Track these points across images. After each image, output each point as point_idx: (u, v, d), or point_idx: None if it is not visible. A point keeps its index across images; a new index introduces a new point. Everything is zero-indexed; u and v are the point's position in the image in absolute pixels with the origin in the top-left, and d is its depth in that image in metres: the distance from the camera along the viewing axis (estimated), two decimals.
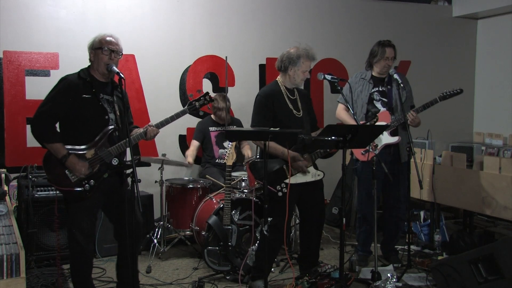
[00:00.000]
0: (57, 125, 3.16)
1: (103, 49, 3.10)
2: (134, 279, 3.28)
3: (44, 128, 3.06)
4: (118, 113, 3.17)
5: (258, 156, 4.11)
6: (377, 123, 3.91)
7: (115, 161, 3.13)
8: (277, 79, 3.76)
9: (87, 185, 3.08)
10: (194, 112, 3.47)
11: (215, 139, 5.06)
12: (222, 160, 4.90)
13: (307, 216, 3.84)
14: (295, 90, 3.76)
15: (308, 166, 3.61)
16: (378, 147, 4.00)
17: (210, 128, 5.08)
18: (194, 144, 5.06)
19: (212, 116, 5.12)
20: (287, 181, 3.49)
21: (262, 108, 3.62)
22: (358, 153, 4.19)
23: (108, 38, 3.14)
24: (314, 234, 3.85)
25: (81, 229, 3.13)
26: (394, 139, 4.19)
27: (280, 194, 3.49)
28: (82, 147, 3.08)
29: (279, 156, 3.55)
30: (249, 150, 5.11)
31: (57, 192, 3.18)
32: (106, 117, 3.13)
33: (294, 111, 3.68)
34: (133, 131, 3.30)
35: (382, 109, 4.22)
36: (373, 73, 4.29)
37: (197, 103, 3.38)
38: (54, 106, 3.05)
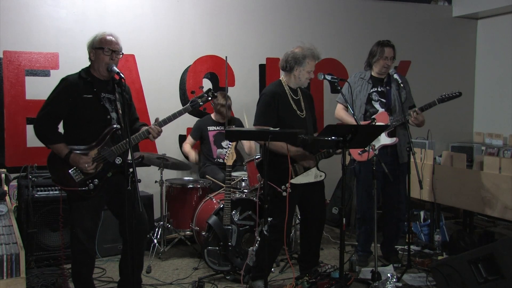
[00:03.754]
0: (60, 125, 3.17)
1: (104, 50, 3.09)
2: (137, 276, 3.27)
3: (46, 130, 3.07)
4: (120, 112, 3.17)
5: (258, 156, 4.11)
6: (378, 125, 3.90)
7: (118, 160, 3.14)
8: (280, 78, 3.74)
9: (91, 184, 3.08)
10: (196, 108, 3.41)
11: (213, 139, 5.06)
12: (220, 159, 4.91)
13: (308, 216, 3.84)
14: (298, 90, 3.75)
15: (312, 166, 3.61)
16: (376, 148, 3.99)
17: (208, 127, 5.08)
18: (190, 140, 5.07)
19: (212, 115, 5.12)
20: (292, 181, 3.49)
21: (266, 107, 3.61)
22: (355, 153, 4.18)
23: (108, 38, 3.13)
24: (314, 234, 3.85)
25: (84, 228, 3.13)
26: (392, 140, 4.18)
27: (284, 194, 3.48)
28: (85, 147, 3.09)
29: (285, 154, 3.52)
30: (248, 143, 5.10)
31: (61, 192, 3.18)
32: (108, 116, 3.13)
33: (298, 112, 3.67)
34: (138, 129, 3.29)
35: (381, 109, 4.21)
36: (372, 73, 4.28)
37: (199, 100, 3.32)
38: (55, 107, 3.07)
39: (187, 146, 5.08)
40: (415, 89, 4.49)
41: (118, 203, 3.22)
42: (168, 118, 3.25)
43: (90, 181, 3.08)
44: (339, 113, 4.39)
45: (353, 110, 3.98)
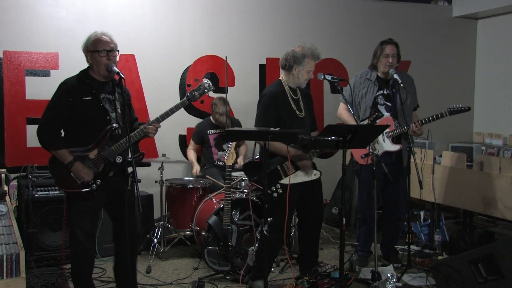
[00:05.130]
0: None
1: (99, 52, 3.07)
2: (133, 280, 3.26)
3: (49, 136, 3.08)
4: (119, 111, 3.16)
5: (257, 156, 4.11)
6: (378, 125, 3.89)
7: (119, 159, 3.13)
8: (280, 78, 3.74)
9: (94, 185, 3.08)
10: (193, 101, 3.32)
11: (214, 142, 5.06)
12: (221, 162, 4.91)
13: (307, 216, 3.84)
14: (297, 90, 3.75)
15: (308, 168, 3.61)
16: (379, 153, 3.99)
17: (208, 131, 5.07)
18: (193, 144, 5.08)
19: (211, 118, 5.11)
20: (282, 181, 3.49)
21: (268, 108, 3.60)
22: (358, 156, 4.17)
23: (101, 39, 3.09)
24: (313, 234, 3.85)
25: (83, 228, 3.13)
26: (396, 147, 4.16)
27: (275, 195, 3.48)
28: (85, 148, 3.09)
29: (284, 155, 3.53)
30: (245, 149, 5.11)
31: (62, 192, 3.17)
32: (108, 117, 3.13)
33: (297, 112, 3.66)
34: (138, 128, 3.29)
35: (386, 114, 4.17)
36: (379, 74, 4.24)
37: (196, 93, 3.23)
38: (56, 113, 3.07)
39: (191, 152, 5.08)
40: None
41: (116, 204, 3.22)
42: (165, 113, 3.19)
43: (92, 181, 3.08)
44: (342, 113, 4.36)
45: (353, 110, 3.97)
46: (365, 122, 3.92)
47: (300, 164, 3.56)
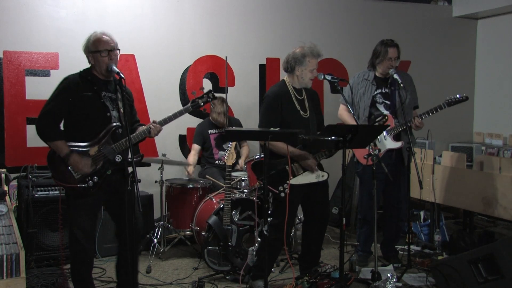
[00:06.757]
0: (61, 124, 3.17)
1: (101, 52, 3.09)
2: (134, 279, 3.27)
3: (46, 127, 3.09)
4: (121, 111, 3.17)
5: (260, 156, 4.11)
6: (378, 125, 3.89)
7: (118, 158, 3.14)
8: (284, 78, 3.73)
9: (90, 181, 3.09)
10: (197, 109, 3.43)
11: (214, 142, 5.06)
12: (221, 162, 4.91)
13: (310, 216, 3.83)
14: (302, 90, 3.73)
15: (313, 167, 3.60)
16: (381, 152, 3.98)
17: (209, 130, 5.07)
18: (195, 148, 5.06)
19: (211, 118, 5.11)
20: (290, 181, 3.48)
21: (270, 109, 3.59)
22: (361, 156, 4.16)
23: (102, 38, 3.12)
24: (316, 234, 3.84)
25: (82, 227, 3.14)
26: (398, 144, 4.15)
27: (282, 195, 3.48)
28: (86, 144, 3.10)
29: (285, 155, 3.52)
30: (247, 150, 5.11)
31: (60, 191, 3.17)
32: (108, 114, 3.14)
33: (301, 112, 3.65)
34: (138, 128, 3.30)
35: (385, 112, 4.17)
36: (376, 74, 4.23)
37: (200, 101, 3.34)
38: (56, 106, 3.09)
39: (191, 156, 5.04)
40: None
41: (116, 203, 3.23)
42: (168, 117, 3.27)
43: (89, 178, 3.09)
44: (343, 114, 4.35)
45: (353, 110, 3.97)
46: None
47: (303, 164, 3.56)
